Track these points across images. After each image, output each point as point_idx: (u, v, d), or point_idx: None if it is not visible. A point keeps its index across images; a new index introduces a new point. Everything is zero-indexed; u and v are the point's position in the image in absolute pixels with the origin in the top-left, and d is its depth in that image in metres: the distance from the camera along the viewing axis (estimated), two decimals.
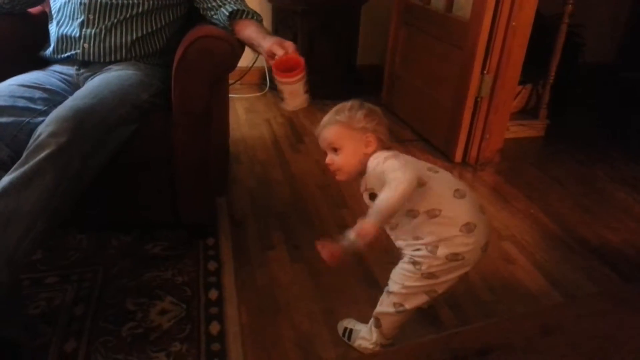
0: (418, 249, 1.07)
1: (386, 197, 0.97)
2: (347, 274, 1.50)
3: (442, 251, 1.04)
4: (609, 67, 3.51)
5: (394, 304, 1.13)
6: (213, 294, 1.38)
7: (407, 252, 1.10)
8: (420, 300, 1.12)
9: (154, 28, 1.54)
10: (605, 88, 3.39)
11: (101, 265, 1.47)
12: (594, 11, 3.26)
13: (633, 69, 3.44)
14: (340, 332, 1.27)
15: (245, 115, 2.65)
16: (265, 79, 3.04)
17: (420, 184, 1.02)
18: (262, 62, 2.98)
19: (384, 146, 1.11)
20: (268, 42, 1.37)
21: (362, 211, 1.75)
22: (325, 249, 1.02)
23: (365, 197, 1.13)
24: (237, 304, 1.35)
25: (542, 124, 2.59)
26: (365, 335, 1.21)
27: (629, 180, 2.16)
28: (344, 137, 1.10)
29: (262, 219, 1.75)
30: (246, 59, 2.92)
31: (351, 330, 1.25)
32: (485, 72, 2.04)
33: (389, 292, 1.14)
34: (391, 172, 1.00)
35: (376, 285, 1.40)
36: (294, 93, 1.30)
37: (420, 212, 1.04)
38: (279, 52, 1.32)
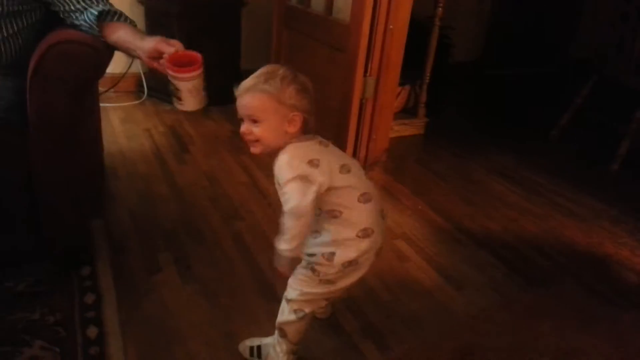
0: (314, 254, 1.05)
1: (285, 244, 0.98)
2: (245, 289, 1.42)
3: (337, 259, 1.02)
4: (475, 65, 3.80)
5: (295, 311, 1.10)
6: (92, 332, 1.21)
7: (305, 257, 1.07)
8: (319, 304, 1.12)
9: (4, 35, 1.34)
10: (473, 85, 3.66)
11: None
12: (460, 14, 3.51)
13: (496, 66, 3.76)
14: (247, 353, 1.19)
15: (122, 126, 2.44)
16: (143, 86, 2.83)
17: (328, 189, 0.99)
18: (137, 67, 2.77)
19: (306, 128, 1.04)
20: (150, 42, 1.24)
21: (257, 222, 1.67)
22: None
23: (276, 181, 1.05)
24: (122, 340, 1.20)
25: (421, 121, 2.71)
26: (276, 348, 1.15)
27: (502, 171, 2.33)
28: (269, 110, 0.99)
29: (147, 240, 1.60)
30: (119, 65, 2.68)
31: (259, 346, 1.19)
32: (367, 74, 2.07)
33: (288, 300, 1.11)
34: (286, 205, 0.96)
35: (275, 299, 1.33)
36: (193, 91, 1.19)
37: (322, 210, 1.02)
38: (168, 50, 1.21)
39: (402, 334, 1.31)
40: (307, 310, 1.10)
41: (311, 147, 1.03)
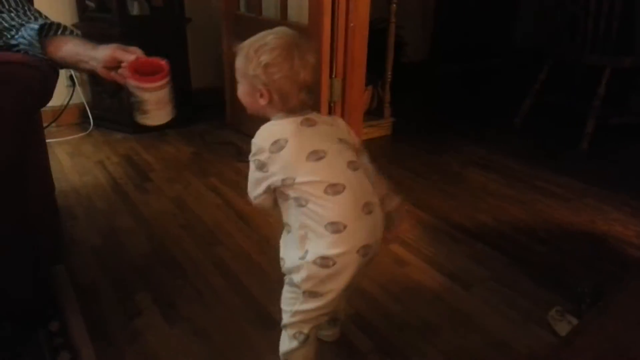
0: (289, 261, 0.98)
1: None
2: (239, 321, 1.27)
3: (309, 257, 0.91)
4: (425, 64, 3.80)
5: (294, 336, 1.00)
6: None
7: (284, 269, 1.00)
8: (317, 321, 1.01)
9: None
10: (427, 83, 3.65)
11: None
12: (405, 13, 3.50)
13: (445, 63, 3.78)
14: None
15: (71, 161, 2.22)
16: (88, 116, 2.61)
17: (291, 181, 0.91)
18: (80, 97, 2.57)
19: (285, 106, 0.93)
20: (105, 51, 1.09)
21: (238, 244, 1.52)
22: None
23: None
24: None
25: (388, 122, 2.65)
26: None
27: (477, 162, 2.29)
28: (240, 74, 0.94)
29: (119, 281, 1.42)
30: (60, 97, 2.48)
31: None
32: (333, 76, 1.98)
33: (285, 326, 1.01)
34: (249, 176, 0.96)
35: (274, 326, 1.18)
36: (160, 102, 1.05)
37: (289, 197, 0.93)
38: (127, 57, 1.06)
39: (422, 347, 1.20)
40: (306, 330, 0.99)
41: (287, 126, 0.93)
